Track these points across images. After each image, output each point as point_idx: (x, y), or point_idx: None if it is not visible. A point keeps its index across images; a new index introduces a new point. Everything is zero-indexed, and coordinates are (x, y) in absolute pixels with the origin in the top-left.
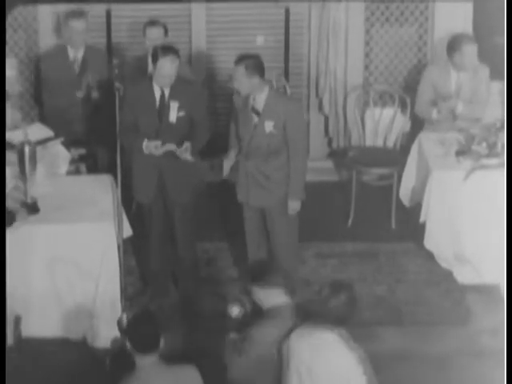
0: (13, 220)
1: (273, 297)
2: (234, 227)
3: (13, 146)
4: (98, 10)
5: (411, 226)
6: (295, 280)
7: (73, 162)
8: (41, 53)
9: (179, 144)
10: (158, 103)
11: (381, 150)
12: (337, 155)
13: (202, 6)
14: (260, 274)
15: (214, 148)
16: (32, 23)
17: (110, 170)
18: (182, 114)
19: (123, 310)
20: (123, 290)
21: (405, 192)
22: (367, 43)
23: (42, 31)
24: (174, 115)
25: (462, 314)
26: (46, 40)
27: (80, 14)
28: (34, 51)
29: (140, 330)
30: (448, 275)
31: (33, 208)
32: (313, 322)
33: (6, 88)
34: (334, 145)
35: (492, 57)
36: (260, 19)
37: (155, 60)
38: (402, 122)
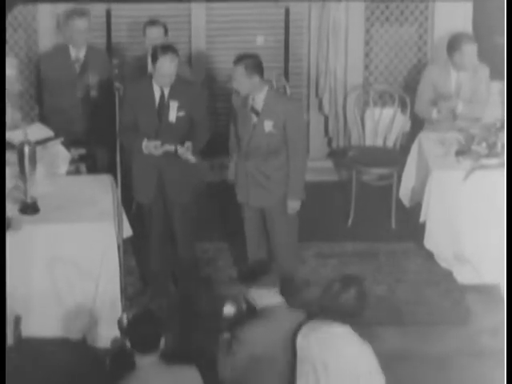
0: (8, 227)
1: (266, 297)
2: (234, 227)
3: (13, 146)
4: (98, 9)
5: (411, 225)
6: (295, 280)
7: (73, 161)
8: (42, 52)
9: (179, 144)
10: (157, 103)
11: (381, 150)
12: (337, 155)
13: (201, 5)
14: (254, 274)
15: (213, 148)
16: (32, 22)
17: (110, 170)
18: (181, 113)
19: (123, 310)
20: (123, 290)
21: (405, 192)
22: (367, 43)
23: (41, 30)
24: (173, 115)
25: (462, 314)
26: (46, 39)
27: (83, 13)
28: (33, 50)
29: (140, 329)
30: (448, 275)
31: (32, 208)
32: (322, 317)
33: (6, 87)
34: (334, 145)
35: (492, 57)
36: (260, 19)
37: (154, 59)
38: (402, 122)
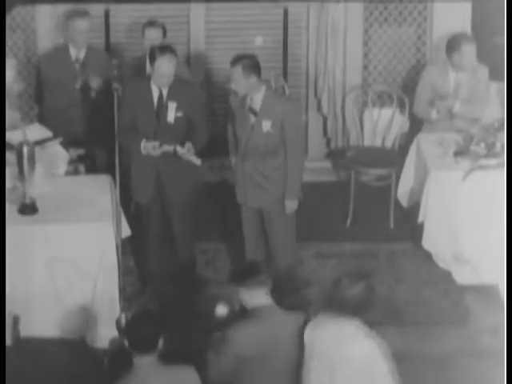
0: None
1: (256, 297)
2: (233, 227)
3: (11, 147)
4: (97, 10)
5: (409, 226)
6: (295, 280)
7: (71, 162)
8: (40, 52)
9: (177, 145)
10: (156, 104)
11: (379, 151)
12: (335, 155)
13: (200, 6)
14: (244, 274)
15: (212, 148)
16: (30, 23)
17: (109, 170)
18: (180, 114)
19: (122, 310)
20: (122, 290)
21: (403, 192)
22: (366, 43)
23: (40, 31)
24: (172, 116)
25: (461, 314)
26: (45, 40)
27: (84, 14)
28: (32, 51)
29: (138, 330)
30: (446, 275)
31: (31, 208)
32: (330, 312)
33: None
34: (333, 145)
35: (491, 57)
36: (259, 20)
37: (152, 60)
38: (401, 123)
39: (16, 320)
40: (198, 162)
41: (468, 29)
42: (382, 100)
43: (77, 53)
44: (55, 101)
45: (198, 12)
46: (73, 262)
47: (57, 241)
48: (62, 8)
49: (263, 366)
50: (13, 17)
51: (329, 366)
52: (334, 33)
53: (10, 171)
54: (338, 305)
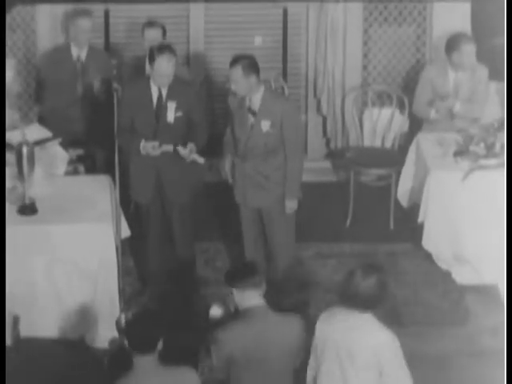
0: None
1: (248, 298)
2: (232, 227)
3: (11, 147)
4: (96, 10)
5: (409, 226)
6: (294, 280)
7: (71, 162)
8: (40, 52)
9: (177, 145)
10: (155, 104)
11: (379, 151)
12: (335, 156)
13: (200, 6)
14: (238, 275)
15: (212, 148)
16: (30, 23)
17: (108, 170)
18: (179, 114)
19: (121, 311)
20: (121, 291)
21: (403, 192)
22: (365, 43)
23: (40, 31)
24: (171, 116)
25: (462, 315)
26: (45, 40)
27: (87, 13)
28: (31, 51)
29: (138, 330)
30: (446, 275)
31: (31, 209)
32: (342, 305)
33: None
34: (332, 145)
35: (490, 57)
36: (258, 20)
37: (152, 60)
38: (400, 122)
39: (16, 320)
40: (201, 160)
41: (467, 29)
42: (382, 100)
43: (78, 52)
44: (55, 101)
45: (197, 12)
46: (73, 262)
47: (57, 241)
48: (62, 8)
49: (254, 367)
50: (13, 17)
51: (341, 358)
52: (333, 33)
53: (10, 171)
54: (350, 297)
